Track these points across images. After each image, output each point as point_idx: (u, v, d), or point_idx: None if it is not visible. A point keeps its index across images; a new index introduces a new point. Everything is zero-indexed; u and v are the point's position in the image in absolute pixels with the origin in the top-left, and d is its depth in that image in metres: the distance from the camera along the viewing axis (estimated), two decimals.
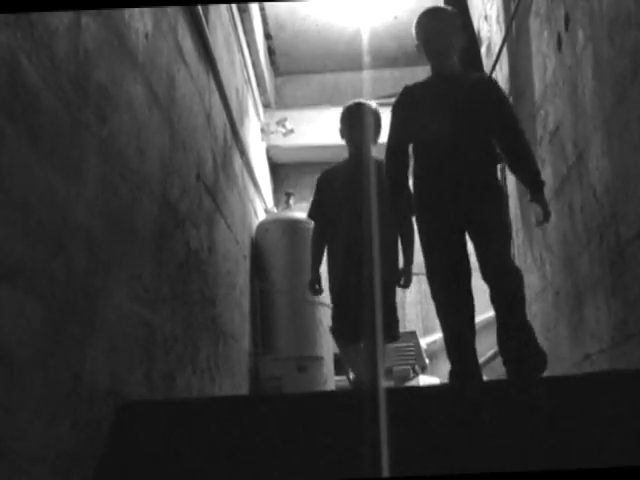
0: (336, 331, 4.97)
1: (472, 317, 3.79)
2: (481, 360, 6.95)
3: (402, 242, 4.83)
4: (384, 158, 4.00)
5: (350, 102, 5.12)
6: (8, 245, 1.94)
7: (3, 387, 1.89)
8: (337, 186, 4.97)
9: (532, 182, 3.78)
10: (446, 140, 3.80)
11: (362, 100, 5.13)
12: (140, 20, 3.18)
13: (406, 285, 4.78)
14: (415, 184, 3.94)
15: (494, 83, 4.13)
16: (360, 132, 4.95)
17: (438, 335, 6.52)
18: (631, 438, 2.47)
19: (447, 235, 3.78)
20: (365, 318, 4.65)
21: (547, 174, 4.37)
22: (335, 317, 4.98)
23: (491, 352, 7.59)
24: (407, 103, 3.98)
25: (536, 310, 4.99)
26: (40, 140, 2.14)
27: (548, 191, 4.34)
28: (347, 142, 5.06)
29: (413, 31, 4.05)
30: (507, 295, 3.66)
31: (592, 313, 3.60)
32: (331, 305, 5.08)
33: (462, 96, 3.87)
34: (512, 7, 5.10)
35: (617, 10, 2.96)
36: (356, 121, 4.96)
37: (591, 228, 3.54)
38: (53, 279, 2.20)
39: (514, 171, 3.95)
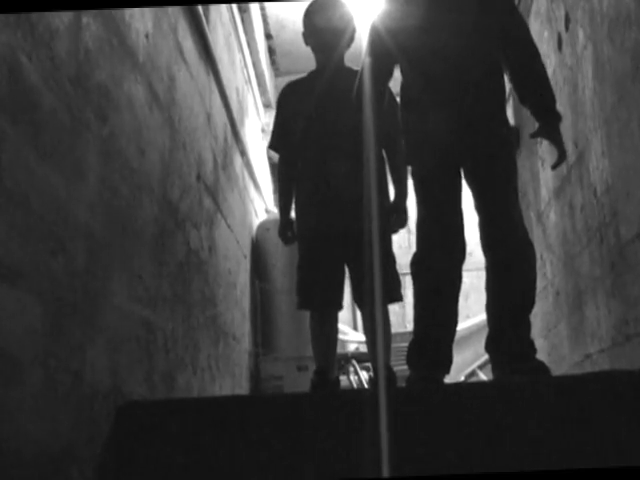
0: (305, 290, 3.94)
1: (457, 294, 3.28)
2: (481, 361, 6.98)
3: (390, 165, 3.93)
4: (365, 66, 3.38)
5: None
6: (9, 245, 1.94)
7: (3, 386, 1.89)
8: (303, 103, 4.07)
9: (546, 110, 3.27)
10: (444, 55, 3.22)
11: None
12: (140, 20, 3.18)
13: (400, 225, 3.86)
14: (404, 111, 3.41)
15: None
16: (331, 36, 4.06)
17: None
18: (631, 438, 2.47)
19: (440, 177, 3.27)
20: (354, 273, 3.85)
21: (547, 174, 4.37)
22: (303, 281, 3.96)
23: None
24: (392, 19, 3.34)
25: (536, 310, 4.99)
26: (41, 140, 2.14)
27: (548, 191, 4.34)
28: (313, 49, 4.22)
29: None
30: (517, 282, 3.19)
31: (592, 313, 3.60)
32: (298, 265, 4.04)
33: (459, 6, 3.28)
34: None
35: (617, 10, 2.97)
36: (325, 22, 4.07)
37: (591, 228, 3.54)
38: (53, 279, 2.20)
39: (524, 96, 3.34)
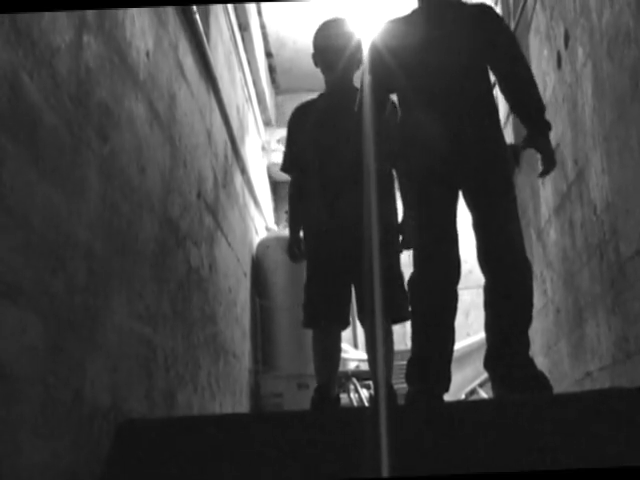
0: (311, 307, 3.97)
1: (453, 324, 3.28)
2: (481, 379, 6.96)
3: (400, 183, 3.85)
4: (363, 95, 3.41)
5: (325, 20, 4.27)
6: (9, 262, 1.94)
7: (3, 404, 1.89)
8: (313, 125, 4.07)
9: (534, 119, 3.31)
10: (441, 73, 3.27)
11: (339, 17, 4.29)
12: (141, 38, 3.19)
13: (408, 245, 3.80)
14: (400, 128, 3.43)
15: (494, 13, 3.54)
16: (332, 55, 4.04)
17: None
18: (631, 456, 2.46)
19: (437, 198, 3.25)
20: (359, 293, 3.86)
21: (547, 191, 4.38)
22: (309, 299, 4.00)
23: None
24: (392, 38, 3.41)
25: (537, 327, 4.99)
26: (41, 158, 2.15)
27: (548, 209, 4.34)
28: (321, 70, 4.17)
29: None
30: (512, 303, 3.18)
31: (593, 330, 3.60)
32: (305, 284, 4.10)
33: (456, 27, 3.34)
34: (512, 24, 5.11)
35: (616, 27, 2.98)
36: (326, 41, 4.08)
37: (591, 245, 3.54)
38: (54, 296, 2.20)
39: (513, 105, 3.41)
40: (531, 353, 3.25)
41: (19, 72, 2.02)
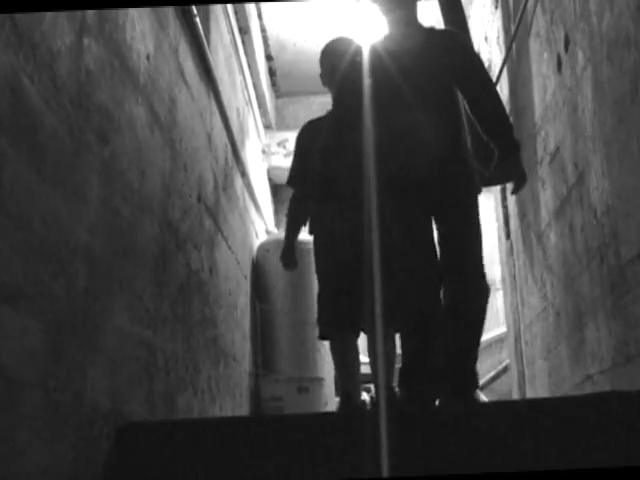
0: (325, 319, 4.11)
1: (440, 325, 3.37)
2: (481, 382, 6.97)
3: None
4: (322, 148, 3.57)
5: (331, 39, 4.41)
6: (10, 266, 1.94)
7: (4, 407, 1.89)
8: (317, 142, 3.92)
9: (504, 140, 3.42)
10: (406, 109, 3.37)
11: (345, 36, 4.42)
12: (142, 41, 3.19)
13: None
14: (378, 163, 3.47)
15: (460, 38, 3.74)
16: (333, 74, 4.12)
17: None
18: (631, 458, 2.46)
19: (416, 229, 3.38)
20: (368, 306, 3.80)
21: (547, 195, 4.38)
22: (321, 312, 4.13)
23: (492, 373, 7.59)
24: (358, 71, 3.49)
25: (537, 331, 4.98)
26: (42, 161, 2.15)
27: (548, 212, 4.34)
28: (332, 89, 4.24)
29: None
30: (464, 321, 3.36)
31: (593, 334, 3.60)
32: (317, 297, 4.24)
33: (423, 56, 3.45)
34: (512, 28, 5.12)
35: (617, 31, 2.98)
36: (341, 61, 4.00)
37: (592, 248, 3.54)
38: (54, 300, 2.20)
39: (482, 127, 3.47)
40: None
41: (20, 75, 2.02)
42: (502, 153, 3.40)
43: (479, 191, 3.50)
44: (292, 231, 4.49)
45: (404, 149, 3.40)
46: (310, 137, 4.29)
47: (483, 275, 3.40)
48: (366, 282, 3.71)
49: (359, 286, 3.91)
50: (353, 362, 4.12)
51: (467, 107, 3.50)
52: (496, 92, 3.52)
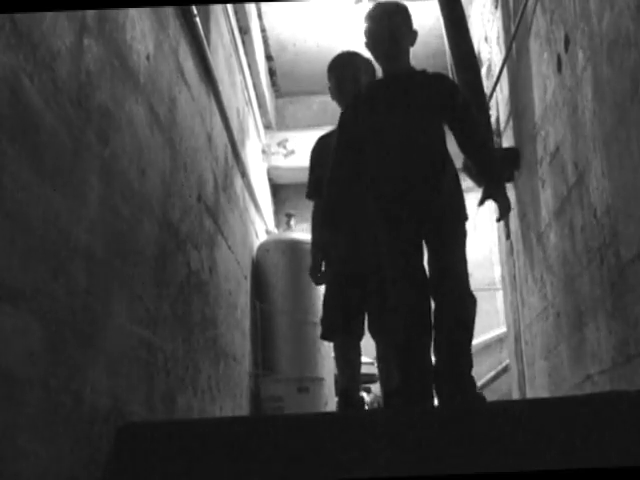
0: (326, 328, 4.24)
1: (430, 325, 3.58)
2: (481, 382, 6.98)
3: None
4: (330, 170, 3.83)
5: (339, 52, 4.53)
6: (9, 265, 1.94)
7: (4, 407, 1.89)
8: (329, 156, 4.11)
9: (488, 173, 3.75)
10: (399, 143, 3.65)
11: (352, 50, 4.53)
12: (142, 41, 3.19)
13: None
14: (369, 190, 3.74)
15: (449, 82, 4.02)
16: (356, 88, 4.18)
17: None
18: (631, 458, 2.46)
19: (405, 246, 3.60)
20: (372, 310, 4.12)
21: (547, 195, 4.38)
22: (326, 315, 4.25)
23: (492, 373, 7.59)
24: (357, 108, 3.81)
25: (537, 331, 4.99)
26: (42, 161, 2.15)
27: (548, 212, 4.35)
28: (339, 103, 4.36)
29: (363, 30, 3.87)
30: (455, 325, 3.53)
31: (593, 334, 3.60)
32: (323, 301, 4.36)
33: (413, 95, 3.72)
34: (512, 28, 5.12)
35: (617, 30, 2.98)
36: (349, 74, 4.33)
37: (592, 249, 3.54)
38: (54, 299, 2.20)
39: (469, 160, 3.93)
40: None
41: (20, 75, 2.02)
42: (487, 184, 3.74)
43: (466, 218, 3.74)
44: (318, 247, 4.38)
45: (400, 177, 3.65)
46: (321, 152, 4.40)
47: (467, 287, 3.61)
48: (369, 293, 4.07)
49: (363, 292, 4.14)
50: (351, 361, 4.22)
51: (455, 140, 3.77)
52: (482, 129, 3.94)
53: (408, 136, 3.65)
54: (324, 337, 4.31)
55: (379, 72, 4.06)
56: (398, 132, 3.66)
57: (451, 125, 3.76)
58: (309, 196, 4.53)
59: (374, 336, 4.22)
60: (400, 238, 3.61)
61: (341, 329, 4.17)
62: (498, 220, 3.88)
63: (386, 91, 3.79)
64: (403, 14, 3.82)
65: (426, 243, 3.65)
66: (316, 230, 4.41)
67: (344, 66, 4.39)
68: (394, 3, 3.89)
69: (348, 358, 4.22)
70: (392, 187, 3.64)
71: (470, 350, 3.58)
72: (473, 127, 3.79)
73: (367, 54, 4.05)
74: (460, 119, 3.75)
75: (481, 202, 3.77)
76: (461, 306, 3.56)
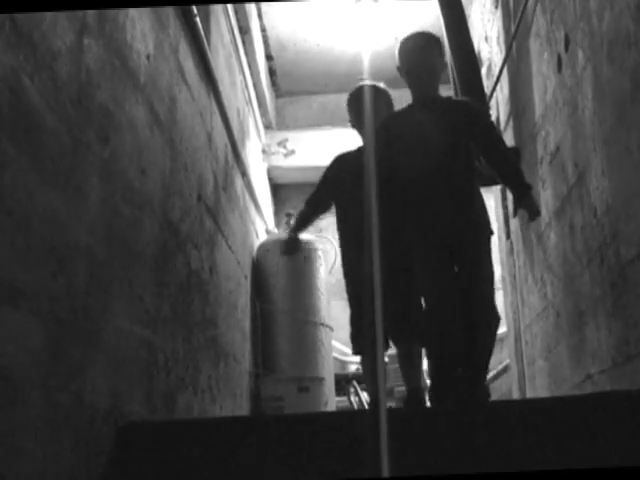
0: (353, 337, 4.46)
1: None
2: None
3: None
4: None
5: (356, 85, 4.67)
6: (10, 265, 1.94)
7: (4, 407, 1.89)
8: (346, 178, 4.49)
9: (517, 185, 3.85)
10: (428, 169, 3.84)
11: (369, 82, 4.69)
12: (142, 41, 3.19)
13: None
14: (404, 215, 3.95)
15: (473, 105, 4.22)
16: (376, 118, 4.40)
17: None
18: (631, 458, 2.46)
19: (439, 265, 3.80)
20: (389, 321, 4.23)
21: (547, 194, 4.38)
22: (352, 318, 4.47)
23: (492, 373, 7.58)
24: (386, 134, 4.01)
25: (537, 331, 4.98)
26: (42, 161, 2.15)
27: (548, 212, 4.35)
28: (359, 132, 4.59)
29: (396, 55, 4.06)
30: (481, 349, 3.74)
31: (593, 333, 3.60)
32: (350, 318, 4.54)
33: (443, 121, 3.90)
34: (512, 28, 5.12)
35: (617, 30, 2.98)
36: (368, 106, 4.54)
37: (592, 248, 3.54)
38: (54, 299, 2.20)
39: (498, 176, 4.01)
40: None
41: (20, 75, 2.02)
42: (517, 195, 3.82)
43: (492, 233, 3.96)
44: (300, 228, 4.75)
45: (432, 201, 3.84)
46: (341, 169, 4.59)
47: (493, 306, 3.79)
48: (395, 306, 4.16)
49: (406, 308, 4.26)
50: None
51: (483, 159, 3.98)
52: (506, 147, 4.05)
53: (438, 160, 3.82)
54: (355, 353, 4.52)
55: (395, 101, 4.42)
56: (429, 157, 3.83)
57: (479, 144, 3.91)
58: (307, 203, 4.72)
59: (395, 344, 4.36)
60: (434, 263, 3.79)
61: (367, 345, 4.31)
62: (530, 220, 4.03)
63: (417, 116, 3.95)
64: (438, 47, 4.04)
65: (454, 260, 3.82)
66: (304, 214, 4.73)
67: (364, 99, 4.56)
68: (429, 36, 4.07)
69: (371, 369, 4.40)
70: (425, 210, 3.83)
71: (487, 366, 3.82)
72: (499, 143, 3.95)
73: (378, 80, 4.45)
74: (487, 138, 3.92)
75: (515, 213, 3.93)
76: (487, 332, 3.77)
